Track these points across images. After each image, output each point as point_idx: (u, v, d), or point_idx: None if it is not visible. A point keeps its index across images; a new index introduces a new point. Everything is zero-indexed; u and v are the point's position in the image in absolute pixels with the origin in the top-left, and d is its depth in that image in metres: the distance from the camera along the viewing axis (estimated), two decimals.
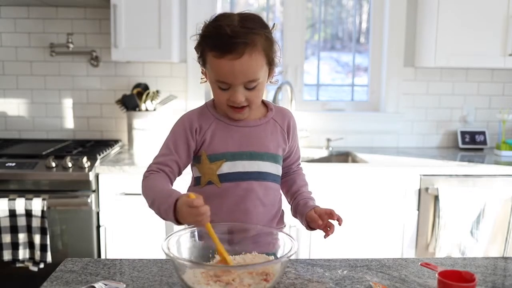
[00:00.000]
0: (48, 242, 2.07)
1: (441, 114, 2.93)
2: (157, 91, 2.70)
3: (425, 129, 2.94)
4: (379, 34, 2.92)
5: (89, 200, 2.13)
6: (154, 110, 2.65)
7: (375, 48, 2.94)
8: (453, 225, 2.27)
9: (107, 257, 2.21)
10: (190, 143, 1.19)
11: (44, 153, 2.29)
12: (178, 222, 1.05)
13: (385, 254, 2.29)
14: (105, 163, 2.24)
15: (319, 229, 1.17)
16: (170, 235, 1.05)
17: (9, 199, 2.05)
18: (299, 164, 1.37)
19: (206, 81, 1.20)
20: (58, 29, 2.70)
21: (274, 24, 1.16)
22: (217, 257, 1.05)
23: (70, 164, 2.15)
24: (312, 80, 3.06)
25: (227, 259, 1.01)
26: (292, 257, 1.12)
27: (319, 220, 1.15)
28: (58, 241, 2.17)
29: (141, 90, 2.67)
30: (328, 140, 2.80)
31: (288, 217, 1.31)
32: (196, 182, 1.23)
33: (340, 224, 1.15)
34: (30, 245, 2.08)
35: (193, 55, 1.22)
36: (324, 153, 2.78)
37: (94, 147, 2.52)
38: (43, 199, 2.07)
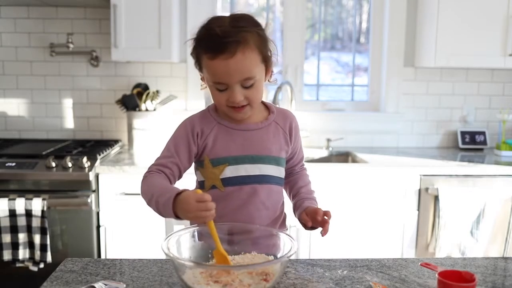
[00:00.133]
0: (48, 242, 2.07)
1: (441, 114, 2.93)
2: (157, 91, 2.70)
3: (425, 129, 2.94)
4: (379, 34, 2.92)
5: (89, 200, 2.13)
6: (154, 110, 2.65)
7: (375, 48, 2.94)
8: (453, 225, 2.27)
9: (107, 257, 2.21)
10: (192, 147, 1.18)
11: (44, 153, 2.29)
12: (176, 217, 1.04)
13: (385, 254, 2.29)
14: (105, 163, 2.24)
15: (315, 228, 1.17)
16: (170, 235, 1.05)
17: (9, 199, 2.05)
18: (303, 165, 1.37)
19: (206, 87, 1.20)
20: (58, 29, 2.70)
21: (266, 22, 1.16)
22: (213, 261, 1.05)
23: (70, 164, 2.15)
24: (312, 80, 3.06)
25: (227, 258, 1.01)
26: (292, 257, 1.12)
27: (309, 222, 1.16)
28: (58, 241, 2.17)
29: (141, 90, 2.67)
30: (328, 140, 2.80)
31: (290, 219, 1.31)
32: (200, 186, 1.23)
33: (328, 217, 1.14)
34: (30, 245, 2.08)
35: None
36: (324, 153, 2.78)
37: (94, 147, 2.52)
38: (43, 199, 2.07)
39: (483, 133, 2.89)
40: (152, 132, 2.62)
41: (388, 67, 2.85)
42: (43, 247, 2.07)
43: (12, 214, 2.05)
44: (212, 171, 1.18)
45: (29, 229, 2.07)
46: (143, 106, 2.62)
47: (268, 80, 1.22)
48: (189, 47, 1.15)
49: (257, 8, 3.08)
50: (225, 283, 0.92)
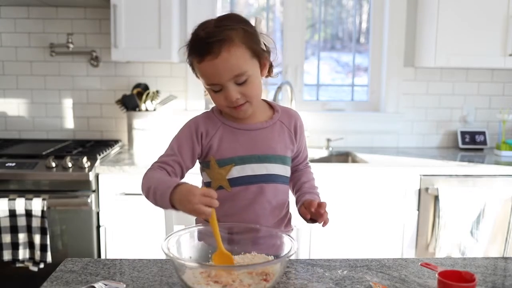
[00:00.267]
0: (48, 242, 2.07)
1: (441, 114, 2.93)
2: (157, 91, 2.70)
3: (425, 129, 2.94)
4: (379, 34, 2.92)
5: (89, 200, 2.13)
6: (154, 110, 2.65)
7: (375, 48, 2.94)
8: (453, 225, 2.27)
9: (107, 257, 2.21)
10: (195, 147, 1.18)
11: (44, 153, 2.29)
12: (172, 206, 1.04)
13: (385, 254, 2.29)
14: (105, 163, 2.24)
15: (315, 220, 1.17)
16: (170, 235, 1.05)
17: (9, 199, 2.05)
18: (307, 163, 1.37)
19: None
20: (58, 29, 2.70)
21: (256, 17, 1.16)
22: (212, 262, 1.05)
23: (70, 164, 2.15)
24: (312, 80, 3.06)
25: (230, 257, 1.01)
26: (292, 257, 1.12)
27: (307, 214, 1.17)
28: (58, 241, 2.17)
29: (141, 90, 2.67)
30: (328, 140, 2.80)
31: (293, 219, 1.31)
32: (207, 187, 1.23)
33: (322, 208, 1.14)
34: (30, 245, 2.08)
35: None
36: (324, 153, 2.78)
37: (94, 147, 2.52)
38: (43, 199, 2.07)
39: (483, 133, 2.89)
40: (152, 132, 2.62)
41: (388, 67, 2.86)
42: (43, 247, 2.07)
43: (12, 214, 2.05)
44: (219, 171, 1.17)
45: (29, 229, 2.07)
46: (143, 106, 2.62)
47: (269, 75, 1.22)
48: (185, 55, 1.16)
49: (257, 8, 3.08)
50: (225, 283, 0.92)
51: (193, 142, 1.18)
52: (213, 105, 1.22)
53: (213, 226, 1.02)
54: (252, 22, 1.16)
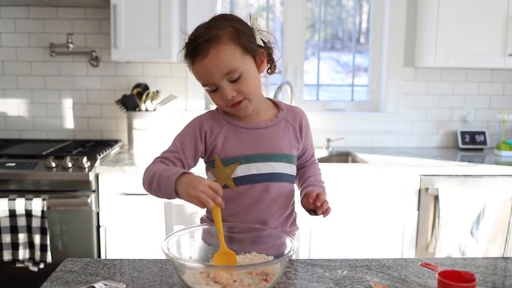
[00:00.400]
0: (48, 242, 2.07)
1: (441, 114, 2.93)
2: (157, 91, 2.70)
3: (425, 129, 2.94)
4: (379, 34, 2.92)
5: (89, 200, 2.13)
6: (154, 110, 2.65)
7: (375, 48, 2.94)
8: (453, 225, 2.27)
9: (107, 257, 2.21)
10: (198, 145, 1.18)
11: (44, 153, 2.29)
12: (175, 193, 1.04)
13: (385, 254, 2.29)
14: (105, 163, 2.24)
15: (316, 212, 1.16)
16: (170, 235, 1.05)
17: (9, 199, 2.05)
18: (314, 160, 1.37)
19: None
20: (58, 29, 2.70)
21: (251, 14, 1.16)
22: (212, 262, 1.05)
23: (70, 164, 2.15)
24: (312, 80, 3.06)
25: (234, 256, 1.02)
26: (292, 257, 1.12)
27: (309, 205, 1.16)
28: (58, 241, 2.17)
29: (141, 90, 2.67)
30: (328, 140, 2.80)
31: (299, 219, 1.31)
32: None
33: (319, 200, 1.13)
34: (30, 245, 2.08)
35: None
36: (324, 153, 2.78)
37: (94, 147, 2.52)
38: (43, 199, 2.07)
39: (483, 133, 2.89)
40: (152, 132, 2.62)
41: (388, 67, 2.86)
42: (43, 247, 2.07)
43: (12, 214, 2.05)
44: (224, 170, 1.17)
45: (29, 229, 2.07)
46: (143, 106, 2.62)
47: (273, 71, 1.22)
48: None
49: (257, 8, 3.08)
50: (225, 284, 0.92)
51: (197, 140, 1.18)
52: (213, 105, 1.22)
53: (217, 225, 1.02)
54: (248, 20, 1.15)
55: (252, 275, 0.96)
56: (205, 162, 1.24)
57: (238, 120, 1.20)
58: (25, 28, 2.70)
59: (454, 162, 2.47)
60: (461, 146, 2.87)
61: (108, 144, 2.60)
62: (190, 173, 1.05)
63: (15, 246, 2.07)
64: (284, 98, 2.78)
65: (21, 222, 2.06)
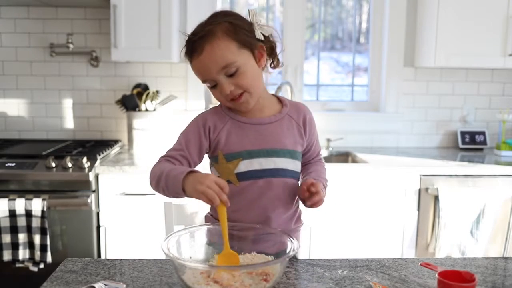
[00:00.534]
0: (48, 242, 2.07)
1: (441, 114, 2.93)
2: (157, 91, 2.70)
3: (425, 129, 2.94)
4: (379, 34, 2.92)
5: (89, 200, 2.13)
6: (154, 110, 2.65)
7: (375, 48, 2.94)
8: (453, 225, 2.27)
9: (107, 257, 2.21)
10: (203, 141, 1.18)
11: (44, 153, 2.29)
12: (182, 190, 1.05)
13: (385, 254, 2.29)
14: (105, 163, 2.24)
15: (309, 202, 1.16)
16: (170, 235, 1.05)
17: (9, 199, 2.05)
18: (320, 158, 1.37)
19: None
20: (58, 29, 2.70)
21: (249, 10, 1.16)
22: (213, 261, 1.05)
23: (70, 164, 2.15)
24: (312, 80, 3.06)
25: (236, 256, 1.02)
26: (298, 256, 1.12)
27: (304, 193, 1.15)
28: (58, 241, 2.17)
29: (141, 90, 2.67)
30: (328, 140, 2.80)
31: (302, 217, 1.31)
32: None
33: (315, 189, 1.13)
34: (30, 245, 2.08)
35: None
36: (324, 153, 2.78)
37: (94, 147, 2.52)
38: (43, 199, 2.07)
39: (483, 133, 2.89)
40: (152, 132, 2.62)
41: (388, 67, 2.86)
42: (43, 247, 2.07)
43: (12, 214, 2.05)
44: (227, 166, 1.17)
45: (29, 229, 2.07)
46: (143, 106, 2.61)
47: (276, 65, 1.22)
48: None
49: (257, 8, 3.08)
50: (225, 284, 0.92)
51: (201, 136, 1.18)
52: (213, 104, 1.22)
53: (222, 225, 1.02)
54: (248, 16, 1.16)
55: (252, 275, 0.96)
56: (209, 157, 1.24)
57: (241, 115, 1.20)
58: (25, 28, 2.70)
59: (454, 162, 2.47)
60: (461, 146, 2.87)
61: (108, 144, 2.60)
62: (197, 171, 1.06)
63: (15, 246, 2.07)
64: None
65: (21, 222, 2.06)
